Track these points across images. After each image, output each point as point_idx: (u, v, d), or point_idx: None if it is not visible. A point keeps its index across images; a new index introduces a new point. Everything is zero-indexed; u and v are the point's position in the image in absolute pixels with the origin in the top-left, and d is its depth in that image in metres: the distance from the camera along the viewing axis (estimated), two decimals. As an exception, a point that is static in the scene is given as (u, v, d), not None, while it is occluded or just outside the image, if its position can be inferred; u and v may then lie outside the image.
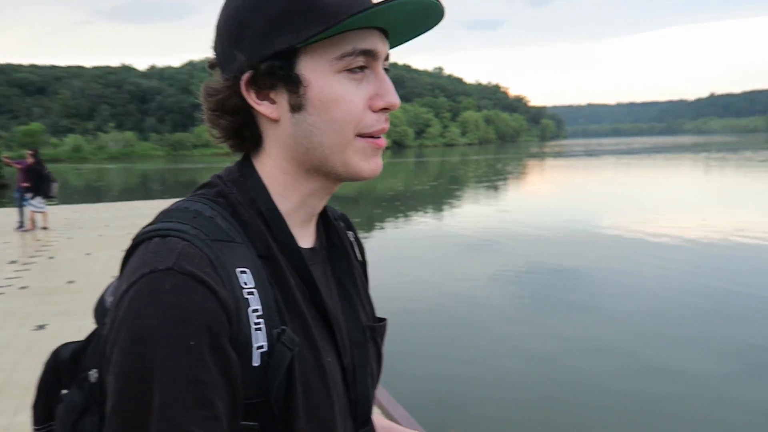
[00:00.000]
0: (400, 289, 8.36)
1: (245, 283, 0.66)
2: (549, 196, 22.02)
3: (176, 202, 0.72)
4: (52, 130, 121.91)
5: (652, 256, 10.24)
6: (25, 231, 12.36)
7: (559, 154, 66.69)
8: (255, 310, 0.65)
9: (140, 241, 0.66)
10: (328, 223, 0.86)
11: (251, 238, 0.71)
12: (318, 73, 0.69)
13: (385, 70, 0.74)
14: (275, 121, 0.72)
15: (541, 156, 63.10)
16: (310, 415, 0.70)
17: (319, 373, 0.72)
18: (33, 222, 12.52)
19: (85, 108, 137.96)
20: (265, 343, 0.65)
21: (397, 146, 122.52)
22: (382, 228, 15.50)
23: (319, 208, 0.80)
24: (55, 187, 12.26)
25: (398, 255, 11.26)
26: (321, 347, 0.73)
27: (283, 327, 0.66)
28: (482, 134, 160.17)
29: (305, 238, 0.79)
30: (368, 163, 0.73)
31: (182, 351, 0.59)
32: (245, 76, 0.70)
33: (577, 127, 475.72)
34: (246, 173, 0.75)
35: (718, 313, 6.96)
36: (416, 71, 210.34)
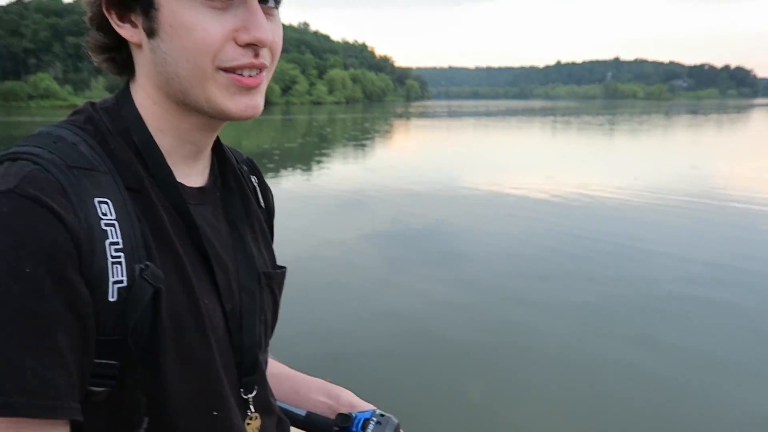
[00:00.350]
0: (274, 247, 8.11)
1: (104, 214, 0.62)
2: (414, 156, 22.63)
3: (41, 127, 0.68)
4: None
5: (508, 213, 10.92)
6: None
7: (423, 114, 68.74)
8: (114, 243, 0.62)
9: None
10: (225, 165, 0.82)
11: (119, 169, 0.67)
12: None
13: (273, 1, 0.69)
14: (139, 45, 0.68)
15: (406, 116, 64.61)
16: (182, 356, 0.67)
17: (194, 314, 0.69)
18: None
19: None
20: (124, 278, 0.62)
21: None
22: (250, 187, 14.94)
23: (206, 145, 0.76)
24: None
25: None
26: (197, 287, 0.70)
27: (147, 263, 0.63)
28: (349, 93, 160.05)
29: (193, 176, 0.77)
30: (234, 101, 0.68)
31: (14, 277, 0.55)
32: None
33: (440, 88, 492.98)
34: (122, 102, 0.72)
35: (569, 258, 7.59)
36: (282, 25, 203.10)
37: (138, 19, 0.66)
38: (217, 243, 0.76)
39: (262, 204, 0.92)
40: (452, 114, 70.96)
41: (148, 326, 0.63)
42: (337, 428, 0.93)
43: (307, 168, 18.43)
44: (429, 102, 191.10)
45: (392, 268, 7.53)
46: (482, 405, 4.17)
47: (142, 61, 0.69)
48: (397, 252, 8.32)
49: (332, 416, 0.96)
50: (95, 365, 0.61)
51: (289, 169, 18.34)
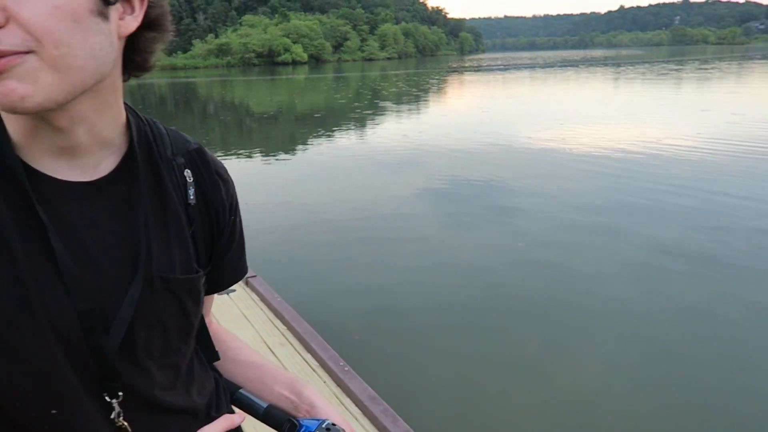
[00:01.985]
0: (325, 209, 8.20)
1: None
2: (469, 111, 22.15)
3: None
4: None
5: (567, 166, 10.58)
6: None
7: (477, 69, 66.94)
8: None
9: None
10: (147, 159, 0.79)
11: None
12: None
13: None
14: None
15: (460, 70, 63.09)
16: (9, 351, 0.66)
17: (26, 310, 0.66)
18: None
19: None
20: None
21: (315, 61, 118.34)
22: (305, 147, 15.06)
23: (63, 141, 0.70)
24: None
25: (321, 174, 11.03)
26: (34, 282, 0.67)
27: None
28: (401, 48, 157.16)
29: (71, 170, 0.72)
30: None
31: None
32: None
33: (495, 40, 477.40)
34: None
35: (633, 212, 7.32)
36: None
37: None
38: (94, 241, 0.72)
39: (192, 201, 0.84)
40: (507, 67, 68.79)
41: None
42: None
43: (360, 126, 18.38)
44: (483, 55, 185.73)
45: (447, 225, 7.49)
46: (537, 358, 4.15)
47: None
48: (451, 208, 8.25)
49: (293, 412, 0.97)
50: None
51: (342, 127, 18.34)
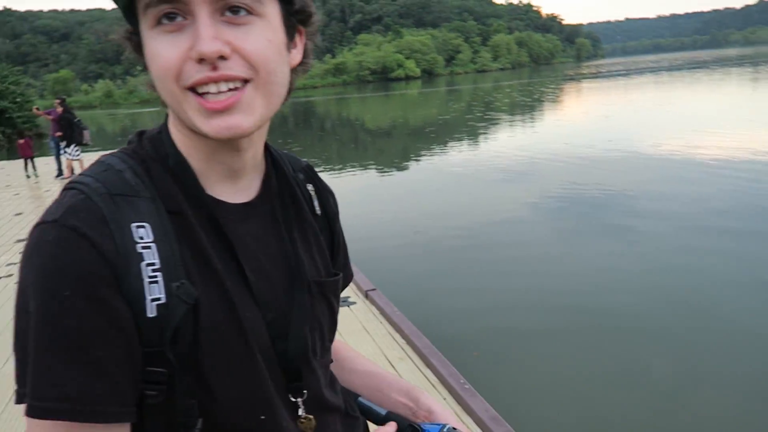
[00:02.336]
0: (435, 223, 8.23)
1: (141, 238, 0.68)
2: (586, 120, 21.24)
3: (101, 156, 0.76)
4: (82, 76, 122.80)
5: (697, 178, 9.79)
6: (65, 179, 12.55)
7: (596, 75, 64.07)
8: (150, 264, 0.67)
9: (62, 190, 0.71)
10: (282, 177, 0.86)
11: (160, 193, 0.72)
12: (144, 32, 0.68)
13: (244, 10, 0.66)
14: None
15: (577, 78, 60.75)
16: (223, 362, 0.72)
17: (235, 325, 0.73)
18: (71, 169, 12.66)
19: (111, 52, 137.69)
20: (162, 296, 0.67)
21: (427, 75, 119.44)
22: (418, 160, 15.23)
23: (238, 164, 0.78)
24: (87, 135, 12.25)
25: (436, 187, 11.08)
26: (237, 301, 0.73)
27: (183, 281, 0.68)
28: (515, 58, 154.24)
29: (236, 192, 0.80)
30: (208, 123, 0.68)
31: (55, 299, 0.62)
32: (128, 44, 0.72)
33: (615, 44, 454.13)
34: (162, 130, 0.78)
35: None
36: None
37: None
38: (263, 256, 0.80)
39: (318, 211, 0.92)
40: (629, 72, 65.15)
41: (190, 338, 0.69)
42: None
43: (473, 138, 18.27)
44: (602, 61, 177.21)
45: (567, 240, 7.22)
46: (668, 385, 3.87)
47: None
48: (568, 222, 7.95)
49: (411, 418, 0.98)
50: (146, 372, 0.68)
51: (455, 139, 18.34)
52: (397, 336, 3.89)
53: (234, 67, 0.66)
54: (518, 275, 6.03)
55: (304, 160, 0.97)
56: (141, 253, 0.67)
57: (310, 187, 0.93)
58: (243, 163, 0.78)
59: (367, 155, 17.53)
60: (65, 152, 12.33)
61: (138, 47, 0.71)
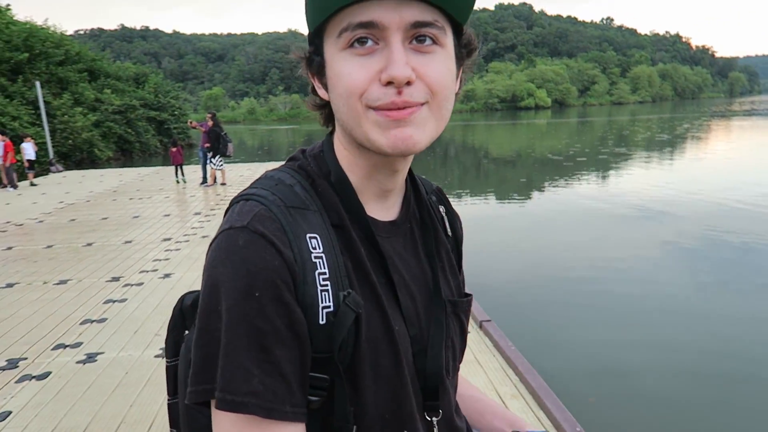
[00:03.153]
0: (556, 256, 7.90)
1: (314, 248, 0.72)
2: (733, 162, 19.41)
3: (267, 171, 0.82)
4: (231, 93, 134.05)
5: None
6: (208, 186, 13.70)
7: (750, 113, 58.50)
8: (322, 273, 0.72)
9: (232, 203, 0.76)
10: (418, 199, 0.90)
11: (326, 207, 0.77)
12: (330, 53, 0.73)
13: (429, 39, 0.71)
14: (329, 100, 0.78)
15: (727, 114, 55.86)
16: (377, 374, 0.75)
17: (388, 337, 0.76)
18: (214, 178, 13.82)
19: (258, 72, 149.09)
20: (331, 304, 0.71)
21: (558, 105, 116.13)
22: (540, 192, 14.79)
23: (391, 185, 0.83)
24: (231, 147, 13.30)
25: (557, 221, 10.68)
26: (390, 315, 0.77)
27: (349, 290, 0.72)
28: (656, 91, 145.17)
29: (383, 211, 0.84)
30: (386, 136, 0.72)
31: (247, 300, 0.66)
32: (303, 63, 0.80)
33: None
34: (325, 149, 0.83)
35: None
36: (582, 23, 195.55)
37: (323, 79, 0.77)
38: (406, 273, 0.83)
39: (449, 233, 0.96)
40: (791, 110, 58.77)
41: (351, 347, 0.72)
42: None
43: (602, 173, 17.41)
44: (759, 97, 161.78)
45: (697, 287, 6.62)
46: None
47: (334, 112, 0.79)
48: (704, 270, 7.28)
49: None
50: (311, 378, 0.71)
51: (582, 173, 17.58)
52: (510, 372, 3.76)
53: (415, 93, 0.71)
54: (641, 320, 5.62)
55: (435, 183, 1.01)
56: (315, 262, 0.72)
57: (441, 209, 0.97)
58: (394, 184, 0.83)
59: (489, 183, 17.34)
60: (211, 162, 13.48)
61: (315, 67, 0.77)
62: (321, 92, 0.80)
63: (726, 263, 7.63)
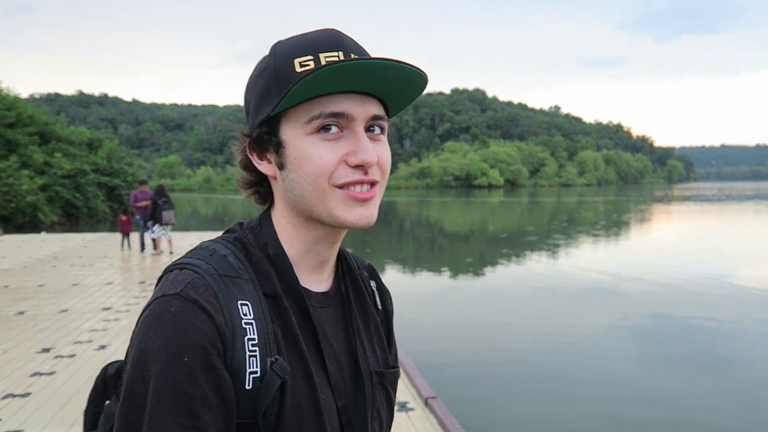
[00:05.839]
0: (508, 335, 7.93)
1: (245, 314, 0.75)
2: (674, 243, 20.32)
3: (202, 242, 0.85)
4: (187, 162, 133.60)
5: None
6: (154, 254, 13.43)
7: (688, 198, 61.97)
8: (251, 339, 0.74)
9: (165, 272, 0.79)
10: (350, 272, 0.94)
11: (259, 277, 0.81)
12: (293, 135, 0.79)
13: (378, 129, 0.81)
14: (274, 178, 0.84)
15: (667, 199, 58.98)
16: None
17: (314, 406, 0.78)
18: (160, 247, 13.58)
19: (216, 142, 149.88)
20: (258, 369, 0.73)
21: (510, 185, 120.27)
22: (493, 268, 15.01)
23: (328, 255, 0.87)
24: (170, 215, 13.01)
25: (508, 298, 10.79)
26: (318, 383, 0.79)
27: (277, 356, 0.75)
28: (601, 174, 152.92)
29: (318, 282, 0.88)
30: (351, 212, 0.79)
31: (175, 365, 0.68)
32: (247, 141, 0.84)
33: (710, 169, 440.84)
34: (263, 222, 0.88)
35: None
36: (532, 110, 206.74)
37: (272, 157, 0.83)
38: (336, 343, 0.86)
39: (380, 307, 1.00)
40: (724, 197, 62.57)
41: (275, 414, 0.74)
42: None
43: (552, 251, 17.86)
44: (695, 184, 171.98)
45: (644, 370, 6.71)
46: None
47: (277, 189, 0.86)
48: (650, 351, 7.41)
49: None
50: None
51: (533, 251, 18.00)
52: (454, 452, 3.66)
53: (375, 173, 0.81)
54: (593, 403, 5.60)
55: (366, 261, 1.07)
56: (245, 328, 0.74)
57: (373, 284, 1.02)
58: (331, 255, 0.89)
59: (442, 258, 17.51)
60: (150, 229, 13.30)
61: (266, 146, 0.82)
62: (262, 167, 0.84)
63: (675, 342, 7.80)
